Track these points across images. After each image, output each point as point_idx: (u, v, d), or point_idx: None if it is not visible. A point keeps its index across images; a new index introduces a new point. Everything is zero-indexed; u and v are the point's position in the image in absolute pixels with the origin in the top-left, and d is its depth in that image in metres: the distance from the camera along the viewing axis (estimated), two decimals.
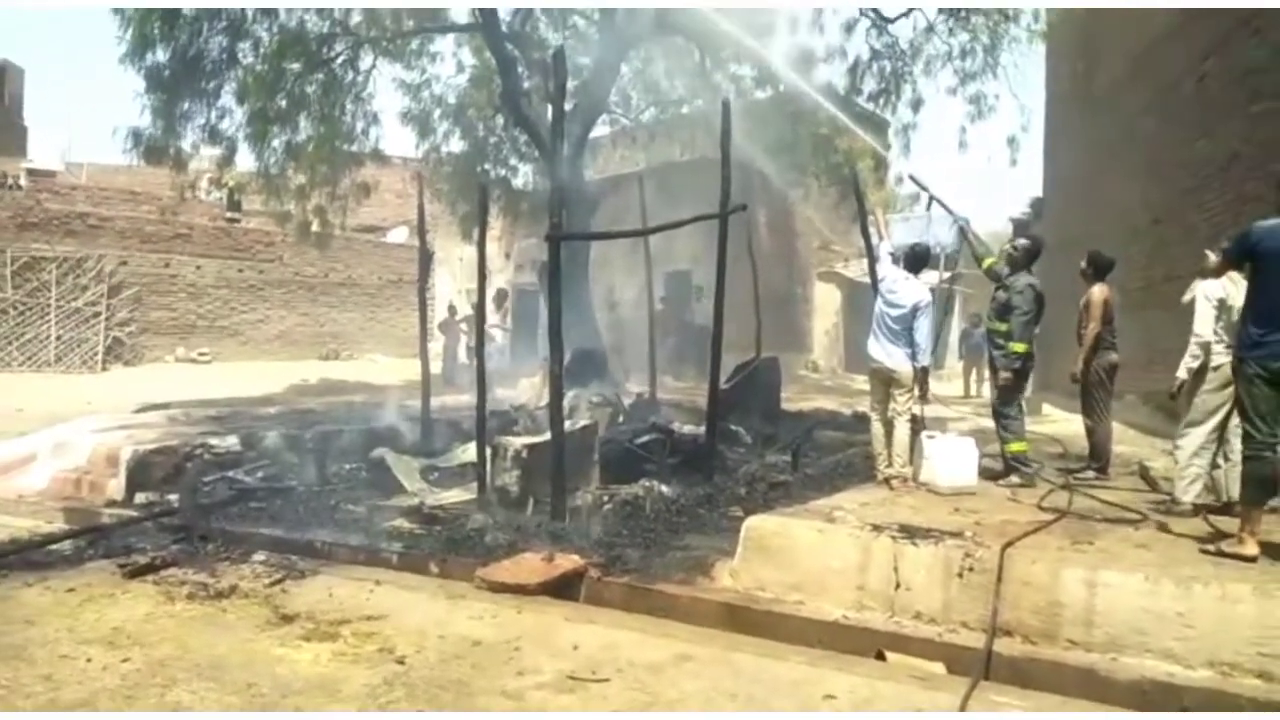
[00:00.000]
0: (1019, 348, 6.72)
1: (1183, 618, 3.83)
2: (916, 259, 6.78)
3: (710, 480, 7.32)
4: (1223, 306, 5.41)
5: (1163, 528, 5.11)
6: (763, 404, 10.56)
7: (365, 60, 15.19)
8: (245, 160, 15.51)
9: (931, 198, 7.97)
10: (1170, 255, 9.95)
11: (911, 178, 8.17)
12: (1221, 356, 5.33)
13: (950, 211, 8.01)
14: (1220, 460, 5.54)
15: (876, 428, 6.75)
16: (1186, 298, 5.88)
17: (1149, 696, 3.64)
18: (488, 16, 13.49)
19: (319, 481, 7.83)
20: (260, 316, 21.78)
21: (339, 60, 14.66)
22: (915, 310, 6.48)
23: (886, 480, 6.51)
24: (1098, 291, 7.03)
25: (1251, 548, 4.30)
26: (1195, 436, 5.51)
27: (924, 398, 7.03)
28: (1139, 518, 5.40)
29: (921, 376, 6.70)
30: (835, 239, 22.54)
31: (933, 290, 7.46)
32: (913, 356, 6.52)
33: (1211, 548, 4.49)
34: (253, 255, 21.68)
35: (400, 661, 3.83)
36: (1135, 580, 4.04)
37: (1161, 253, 10.34)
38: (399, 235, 25.71)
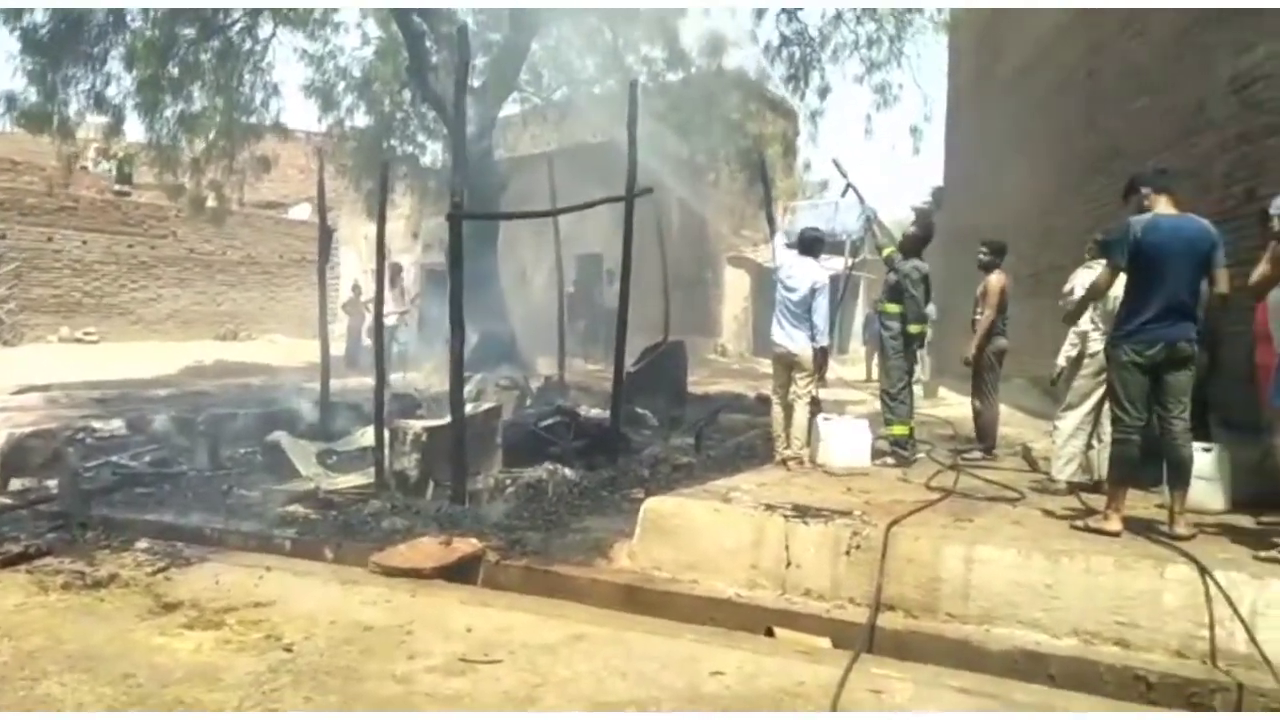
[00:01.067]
0: (915, 329, 6.96)
1: (1050, 590, 4.04)
2: (807, 243, 6.95)
3: (614, 463, 7.36)
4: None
5: (1041, 508, 5.34)
6: (669, 387, 10.67)
7: (264, 28, 14.66)
8: (136, 131, 14.84)
9: (849, 185, 8.14)
10: (1057, 244, 10.38)
11: (835, 163, 8.33)
12: (1097, 344, 5.60)
13: (862, 201, 8.19)
14: (1095, 441, 5.85)
15: (777, 411, 6.90)
16: (1066, 288, 6.16)
17: (1018, 665, 3.82)
18: None
19: (211, 466, 7.57)
20: (152, 295, 20.82)
21: (236, 27, 14.08)
22: (813, 291, 6.63)
23: (784, 461, 6.66)
24: (995, 280, 7.31)
25: (1115, 524, 4.56)
26: (1071, 419, 5.81)
27: (822, 378, 7.19)
28: (1018, 496, 5.65)
29: (820, 357, 6.86)
30: (744, 224, 22.80)
31: (835, 277, 7.64)
32: (813, 338, 6.68)
33: (1080, 524, 4.74)
34: (144, 230, 20.67)
35: (288, 649, 3.75)
36: (1009, 555, 4.23)
37: (1049, 242, 10.78)
38: (302, 212, 24.91)
